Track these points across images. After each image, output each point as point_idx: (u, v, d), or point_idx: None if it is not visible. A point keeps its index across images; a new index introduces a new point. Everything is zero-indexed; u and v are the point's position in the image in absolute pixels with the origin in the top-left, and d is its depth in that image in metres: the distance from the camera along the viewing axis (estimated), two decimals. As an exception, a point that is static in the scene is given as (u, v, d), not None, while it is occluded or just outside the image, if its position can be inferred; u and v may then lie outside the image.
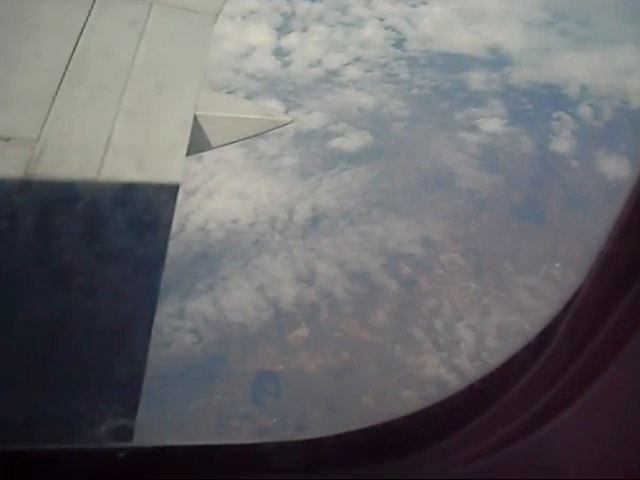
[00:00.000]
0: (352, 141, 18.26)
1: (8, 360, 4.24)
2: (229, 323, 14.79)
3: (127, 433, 4.04)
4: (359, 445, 1.98)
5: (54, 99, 5.68)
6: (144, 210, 5.31)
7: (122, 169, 5.29)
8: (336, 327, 14.88)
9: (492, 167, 17.82)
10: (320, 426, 13.86)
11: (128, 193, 5.29)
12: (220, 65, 19.61)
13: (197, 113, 5.83)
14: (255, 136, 7.14)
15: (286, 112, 18.82)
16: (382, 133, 18.58)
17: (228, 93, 18.93)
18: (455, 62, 20.29)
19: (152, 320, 4.61)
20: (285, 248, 16.21)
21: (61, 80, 5.92)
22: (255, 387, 14.19)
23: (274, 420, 13.80)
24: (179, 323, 14.76)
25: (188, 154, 5.76)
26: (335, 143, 18.33)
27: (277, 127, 7.05)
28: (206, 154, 18.83)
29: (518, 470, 1.80)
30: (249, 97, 18.96)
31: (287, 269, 15.76)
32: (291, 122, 7.56)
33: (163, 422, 13.18)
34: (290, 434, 14.10)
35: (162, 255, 4.97)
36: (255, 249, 16.22)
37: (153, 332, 12.71)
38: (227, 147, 18.57)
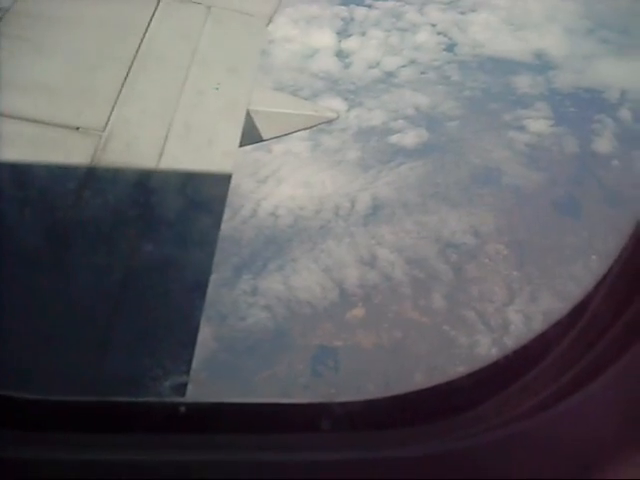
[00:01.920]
0: (409, 137, 18.49)
1: (80, 321, 4.39)
2: (298, 301, 15.14)
3: (184, 389, 4.10)
4: (399, 409, 1.99)
5: (120, 92, 5.75)
6: (199, 196, 5.30)
7: (180, 158, 5.42)
8: (390, 308, 15.22)
9: (537, 165, 17.92)
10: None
11: (185, 180, 5.40)
12: (287, 65, 20.15)
13: (250, 108, 6.05)
14: (303, 130, 7.29)
15: (348, 110, 19.27)
16: (436, 131, 18.78)
17: (294, 91, 19.40)
18: (503, 66, 20.46)
19: (206, 289, 4.79)
20: (348, 234, 16.50)
21: (126, 75, 5.91)
22: (315, 361, 14.51)
23: (332, 391, 14.04)
24: (253, 300, 15.17)
25: (241, 146, 5.72)
26: (393, 139, 18.58)
27: (323, 122, 7.18)
28: (275, 147, 19.15)
29: (540, 441, 1.75)
30: (314, 95, 19.39)
31: (350, 253, 16.07)
32: (336, 118, 7.67)
33: (230, 391, 13.54)
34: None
35: (215, 235, 5.13)
36: (321, 234, 16.55)
37: (231, 307, 13.24)
38: (294, 140, 18.90)
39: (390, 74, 20.44)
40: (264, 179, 17.81)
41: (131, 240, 4.94)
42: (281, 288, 15.41)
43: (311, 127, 7.05)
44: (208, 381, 13.49)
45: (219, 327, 14.53)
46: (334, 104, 19.18)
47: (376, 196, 17.40)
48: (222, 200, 5.34)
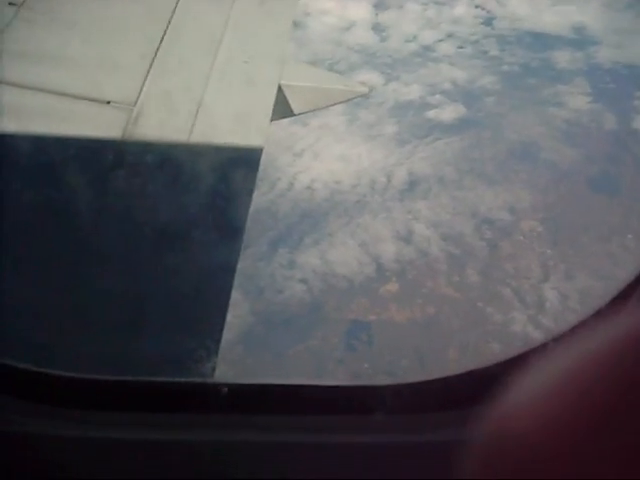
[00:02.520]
0: (446, 113, 18.20)
1: (112, 301, 4.41)
2: (334, 275, 15.03)
3: (212, 370, 4.19)
4: (432, 393, 1.98)
5: (151, 66, 5.76)
6: (230, 170, 5.37)
7: (211, 132, 5.47)
8: (424, 283, 15.10)
9: (574, 141, 17.55)
10: (408, 373, 14.17)
11: (216, 154, 5.42)
12: (323, 38, 19.77)
13: (281, 82, 6.07)
14: (334, 104, 7.17)
15: (384, 84, 18.98)
16: (473, 106, 18.48)
17: (330, 64, 19.13)
18: (542, 41, 19.96)
19: (236, 265, 4.75)
20: (385, 209, 16.37)
21: (157, 49, 5.95)
22: (349, 335, 14.48)
23: (366, 366, 14.03)
24: (290, 273, 15.10)
25: (272, 120, 5.82)
26: (430, 114, 18.30)
27: (355, 97, 7.07)
28: (311, 120, 18.98)
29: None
30: (350, 69, 19.10)
31: (387, 228, 15.92)
32: (368, 93, 7.47)
33: (264, 363, 13.62)
34: (381, 379, 14.51)
35: (246, 210, 5.08)
36: (357, 209, 16.41)
37: (268, 280, 13.26)
38: (330, 114, 18.67)
39: (427, 48, 20.08)
40: (300, 152, 17.65)
41: (161, 215, 4.93)
42: (317, 262, 15.31)
43: (343, 102, 7.02)
44: (243, 354, 13.74)
45: (256, 301, 14.55)
46: (370, 78, 18.92)
47: (412, 171, 17.20)
48: (253, 175, 5.36)
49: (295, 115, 6.70)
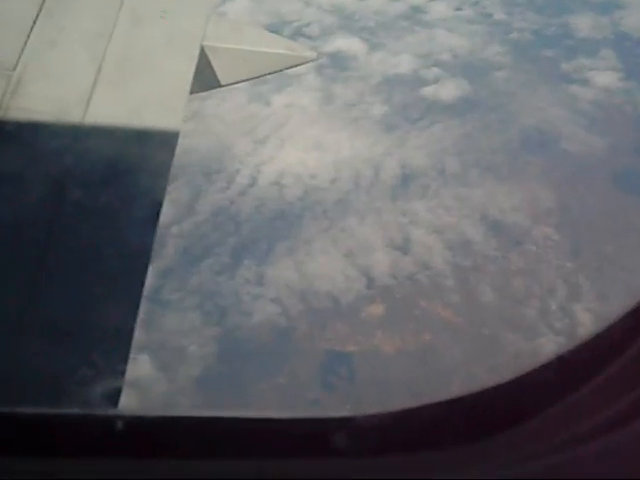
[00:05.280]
0: (445, 90, 19.03)
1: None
2: (315, 293, 15.59)
3: (116, 397, 4.01)
4: (441, 420, 1.97)
5: (35, 21, 5.54)
6: (135, 163, 5.18)
7: (112, 110, 5.32)
8: (417, 303, 15.74)
9: (600, 128, 18.45)
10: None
11: (117, 141, 5.26)
12: (288, -5, 20.44)
13: (204, 44, 5.98)
14: (273, 73, 7.20)
15: (367, 53, 19.62)
16: (478, 82, 19.33)
17: (298, 28, 19.61)
18: (558, 3, 21.11)
19: (146, 270, 4.90)
20: (373, 210, 16.97)
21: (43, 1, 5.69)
22: (326, 369, 14.92)
23: (347, 407, 14.55)
24: (259, 290, 15.60)
25: (192, 92, 5.70)
26: (425, 91, 19.10)
27: (299, 64, 7.08)
28: (275, 98, 19.56)
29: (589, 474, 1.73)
30: (324, 34, 19.95)
31: (377, 234, 16.55)
32: (316, 59, 7.53)
33: (220, 404, 14.07)
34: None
35: (154, 213, 4.99)
36: (339, 209, 16.96)
37: (233, 300, 13.89)
38: (298, 90, 19.49)
39: (417, 9, 20.90)
40: (263, 139, 18.19)
41: (41, 216, 4.83)
42: (294, 276, 15.87)
43: (283, 69, 7.00)
44: (193, 390, 14.22)
45: (218, 324, 15.09)
46: (349, 45, 19.73)
47: (405, 163, 17.83)
48: (165, 169, 5.21)
49: (221, 86, 6.46)
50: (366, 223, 16.86)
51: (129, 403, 12.96)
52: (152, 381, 14.01)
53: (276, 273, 15.96)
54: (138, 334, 14.64)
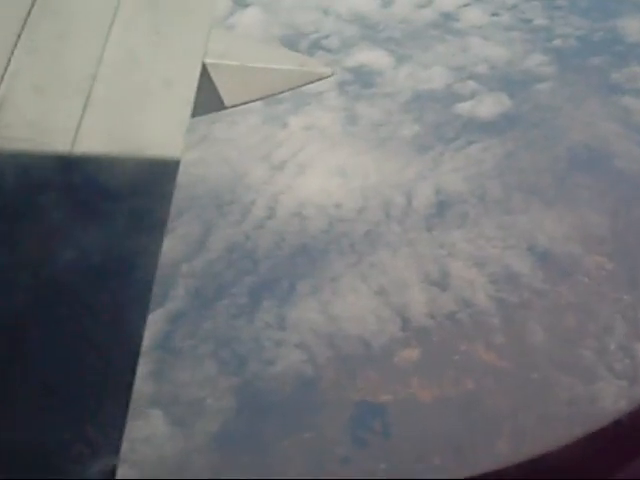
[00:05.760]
0: (483, 106, 18.56)
1: None
2: (345, 336, 15.05)
3: (111, 475, 3.92)
4: None
5: (17, 41, 5.51)
6: (132, 198, 5.08)
7: (104, 137, 5.23)
8: (486, 342, 15.18)
9: None
10: (442, 474, 14.12)
11: (110, 171, 5.18)
12: (304, 4, 20.20)
13: (206, 61, 5.92)
14: (282, 92, 7.12)
15: (394, 67, 19.22)
16: (519, 96, 18.88)
17: (316, 40, 19.30)
18: (604, 5, 20.66)
19: (145, 318, 4.73)
20: (406, 242, 16.46)
21: (27, 16, 5.68)
22: (357, 423, 14.48)
23: (382, 466, 13.92)
24: (281, 335, 15.09)
25: (194, 116, 5.54)
26: (461, 108, 18.63)
27: (312, 81, 7.02)
28: (292, 119, 19.07)
29: None
30: (345, 46, 19.48)
31: (412, 269, 16.02)
32: (330, 76, 7.58)
33: (241, 465, 13.67)
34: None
35: (155, 255, 4.88)
36: (368, 242, 16.45)
37: (252, 346, 13.31)
38: (318, 110, 18.93)
39: (448, 16, 20.54)
40: (280, 165, 17.75)
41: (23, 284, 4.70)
42: (319, 319, 15.33)
43: (295, 87, 6.93)
44: (215, 450, 13.79)
45: (236, 374, 14.57)
46: (373, 59, 19.31)
47: (440, 188, 17.39)
48: (166, 203, 5.20)
49: (226, 107, 6.59)
50: (399, 257, 16.33)
51: (144, 461, 12.79)
52: (166, 438, 13.62)
53: (299, 315, 15.44)
54: (148, 386, 13.94)
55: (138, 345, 4.51)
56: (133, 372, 4.36)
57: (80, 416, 4.23)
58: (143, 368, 13.34)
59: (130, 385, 4.33)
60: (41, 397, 4.25)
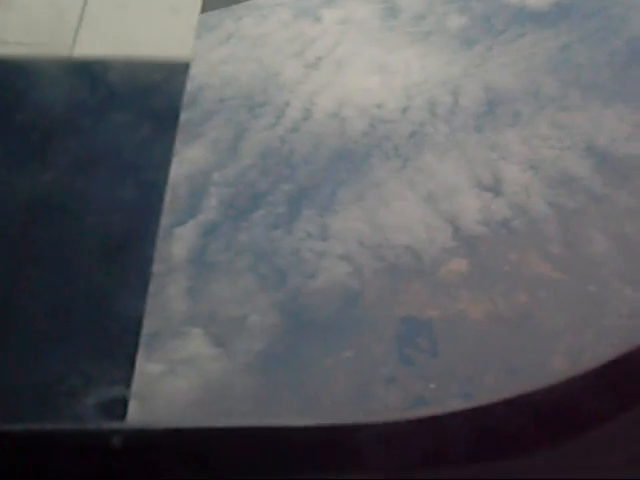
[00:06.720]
0: (538, -6, 17.75)
1: None
2: (392, 247, 14.48)
3: (120, 407, 3.94)
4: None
5: None
6: (135, 103, 5.06)
7: (105, 39, 5.21)
8: (540, 252, 14.53)
9: None
10: (495, 394, 13.71)
11: (112, 73, 5.19)
12: None
13: None
14: None
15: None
16: (574, -18, 18.13)
17: None
18: None
19: (155, 235, 4.57)
20: (455, 144, 15.88)
21: None
22: (402, 340, 13.84)
23: (431, 386, 13.31)
24: (324, 246, 14.53)
25: (203, 11, 5.47)
26: (512, -4, 17.85)
27: None
28: (326, 12, 18.65)
29: None
30: None
31: (462, 173, 15.46)
32: None
33: (276, 387, 13.12)
34: (455, 405, 13.82)
35: (165, 170, 4.84)
36: (413, 145, 15.87)
37: (292, 259, 12.79)
38: (355, 3, 18.28)
39: None
40: (316, 63, 17.10)
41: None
42: (365, 228, 14.73)
43: None
44: (262, 373, 13.27)
45: (275, 290, 14.03)
46: None
47: (489, 85, 16.75)
48: (174, 108, 5.02)
49: (238, 2, 6.55)
50: (447, 160, 15.70)
51: (187, 383, 12.54)
52: (209, 359, 13.13)
53: (343, 225, 14.90)
54: (184, 304, 13.47)
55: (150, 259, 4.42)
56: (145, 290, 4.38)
57: (77, 343, 4.22)
58: (177, 285, 12.78)
59: (142, 304, 4.26)
60: (45, 321, 4.24)
